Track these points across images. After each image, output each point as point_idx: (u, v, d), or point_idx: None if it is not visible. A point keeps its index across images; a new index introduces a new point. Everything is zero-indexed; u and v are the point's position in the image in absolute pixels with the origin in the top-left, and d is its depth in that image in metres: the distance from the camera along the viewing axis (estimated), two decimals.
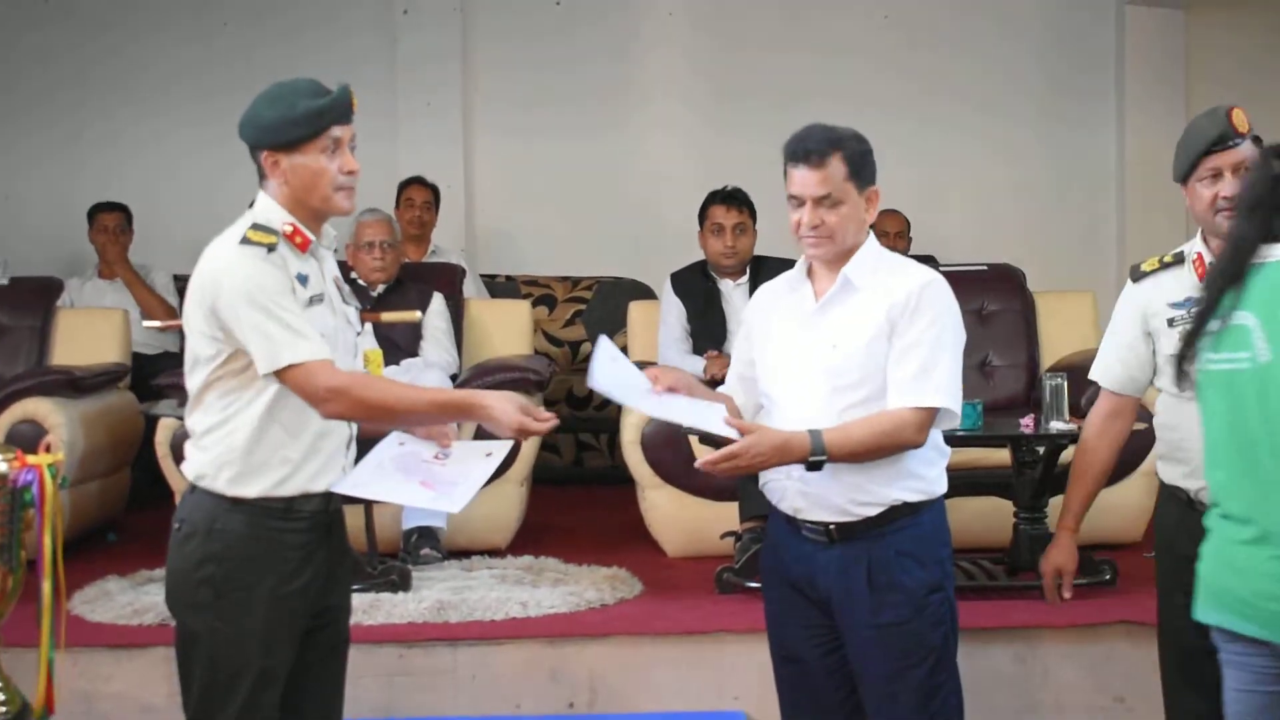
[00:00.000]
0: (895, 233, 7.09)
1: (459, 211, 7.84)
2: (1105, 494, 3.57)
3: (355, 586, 4.00)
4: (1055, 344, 5.75)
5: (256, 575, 2.88)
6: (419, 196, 7.11)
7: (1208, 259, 3.26)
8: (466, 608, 4.50)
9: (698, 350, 5.73)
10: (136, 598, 4.66)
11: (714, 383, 3.59)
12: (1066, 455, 4.61)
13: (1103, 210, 8.11)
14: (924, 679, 3.08)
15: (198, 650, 2.91)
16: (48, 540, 2.94)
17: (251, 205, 2.97)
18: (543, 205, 8.04)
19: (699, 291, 5.85)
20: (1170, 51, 7.97)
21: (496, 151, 8.01)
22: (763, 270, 5.60)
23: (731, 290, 5.83)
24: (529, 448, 5.37)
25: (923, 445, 3.06)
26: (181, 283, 5.97)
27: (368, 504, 4.85)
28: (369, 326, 5.01)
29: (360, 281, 5.68)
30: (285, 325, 2.81)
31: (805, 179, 3.05)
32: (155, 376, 5.52)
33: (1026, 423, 4.56)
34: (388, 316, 5.38)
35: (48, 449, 3.04)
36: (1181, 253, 3.33)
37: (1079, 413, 4.57)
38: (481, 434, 5.21)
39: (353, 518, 3.52)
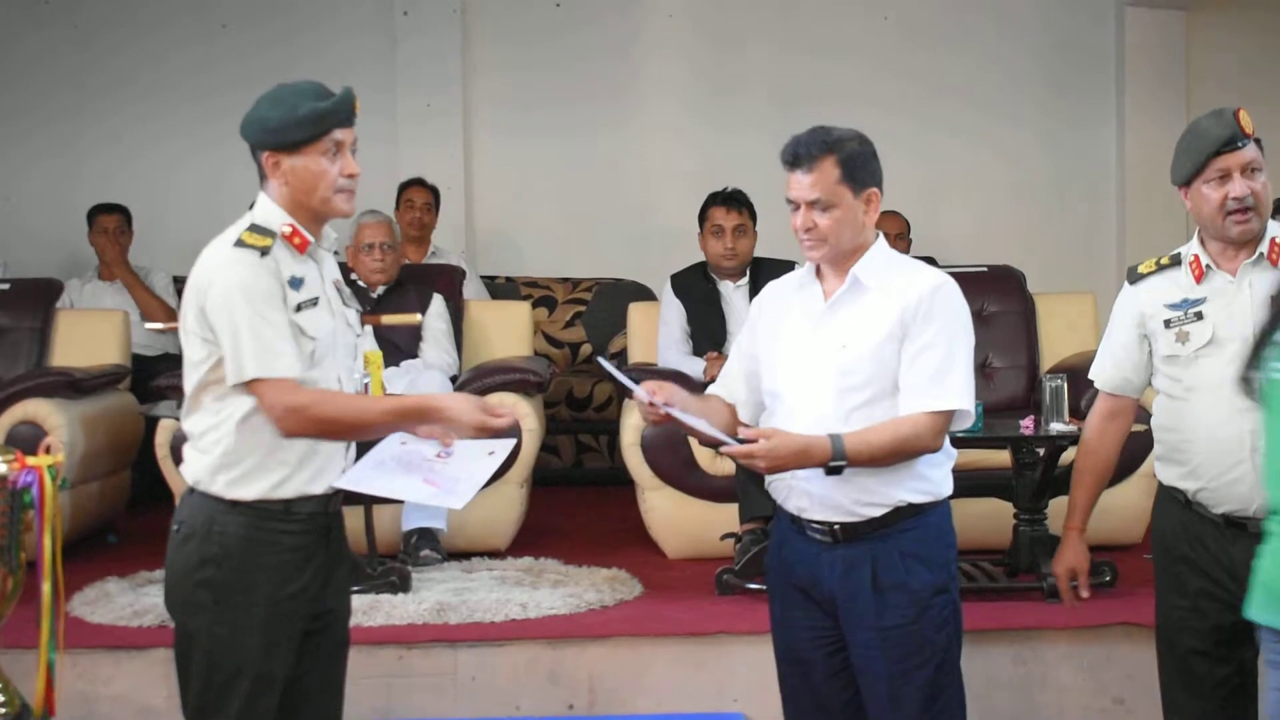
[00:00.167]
0: (895, 234, 7.08)
1: (459, 213, 7.85)
2: (1104, 496, 3.57)
3: (355, 588, 4.01)
4: (1055, 345, 5.75)
5: (255, 577, 2.88)
6: (419, 198, 7.11)
7: (1204, 261, 3.26)
8: (466, 609, 4.50)
9: (698, 352, 5.73)
10: (136, 599, 4.66)
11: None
12: (1066, 457, 4.61)
13: (1103, 212, 8.12)
14: (928, 681, 3.08)
15: (196, 652, 2.91)
16: (47, 541, 2.93)
17: (252, 206, 2.97)
18: (543, 206, 8.04)
19: (699, 293, 5.85)
20: (1170, 53, 7.98)
21: (496, 153, 8.01)
22: (762, 272, 5.61)
23: (731, 292, 5.83)
24: (529, 449, 5.38)
25: (939, 450, 3.08)
26: (181, 284, 5.91)
27: (367, 505, 4.85)
28: (369, 328, 5.01)
29: (360, 283, 5.68)
30: (258, 336, 2.81)
31: (798, 183, 3.07)
32: (155, 378, 5.52)
33: (1026, 424, 4.56)
34: (388, 319, 5.39)
35: (48, 450, 3.04)
36: (1179, 255, 3.33)
37: (1079, 414, 4.57)
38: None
39: (352, 519, 3.53)
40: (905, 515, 3.08)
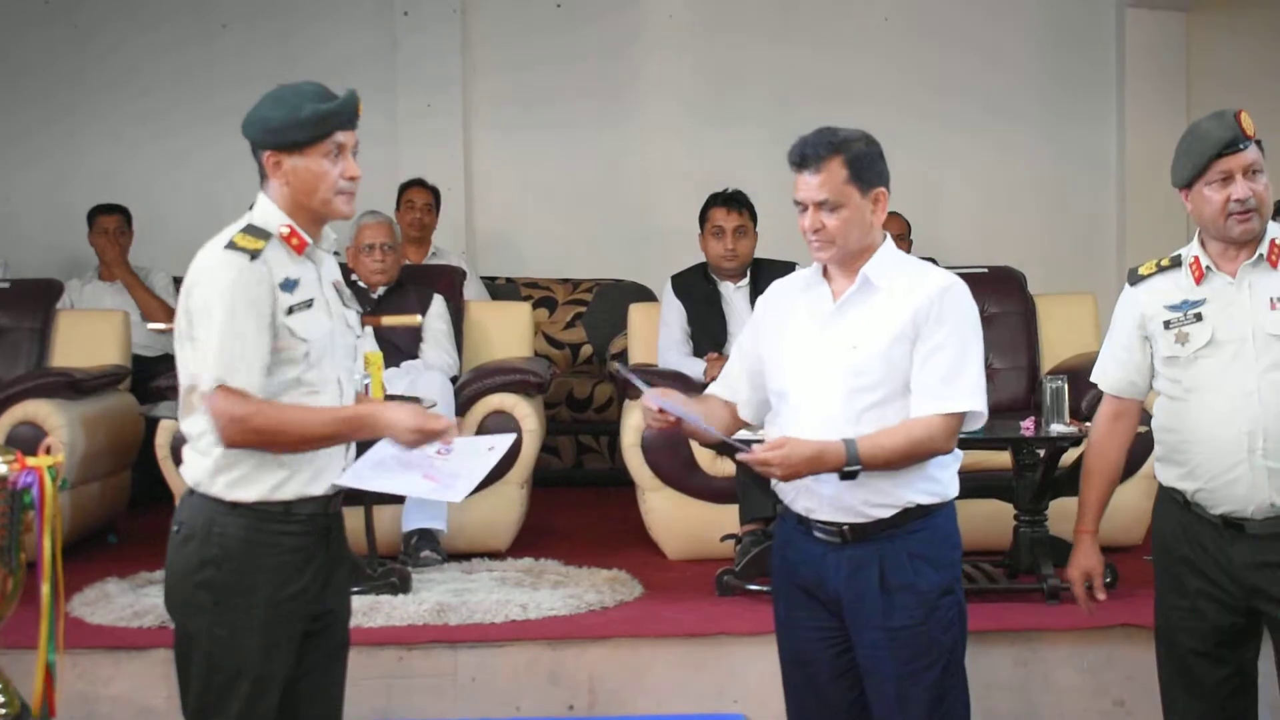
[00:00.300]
0: (896, 235, 7.01)
1: (459, 213, 7.85)
2: None
3: (355, 589, 4.01)
4: (1056, 346, 5.75)
5: (254, 579, 2.88)
6: (419, 198, 7.11)
7: (1205, 262, 3.26)
8: (466, 610, 4.50)
9: (698, 352, 5.72)
10: (136, 600, 4.66)
11: None
12: (1067, 458, 4.61)
13: (1104, 212, 8.12)
14: (935, 682, 3.08)
15: (196, 653, 2.91)
16: (47, 542, 2.93)
17: (252, 207, 2.97)
18: (543, 207, 8.04)
19: (699, 294, 5.84)
20: (1171, 53, 7.98)
21: (496, 153, 8.01)
22: (763, 273, 5.60)
23: (732, 293, 5.83)
24: (529, 450, 5.37)
25: (951, 451, 3.08)
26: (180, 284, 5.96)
27: (367, 506, 4.85)
28: (369, 329, 5.01)
29: (360, 284, 5.67)
30: (224, 347, 2.80)
31: (805, 184, 3.07)
32: (155, 378, 5.52)
33: (1027, 425, 4.55)
34: (388, 320, 5.38)
35: (48, 451, 3.03)
36: (1179, 256, 3.33)
37: (1080, 415, 4.58)
38: (484, 431, 5.24)
39: (352, 520, 3.53)
40: (913, 516, 3.08)
